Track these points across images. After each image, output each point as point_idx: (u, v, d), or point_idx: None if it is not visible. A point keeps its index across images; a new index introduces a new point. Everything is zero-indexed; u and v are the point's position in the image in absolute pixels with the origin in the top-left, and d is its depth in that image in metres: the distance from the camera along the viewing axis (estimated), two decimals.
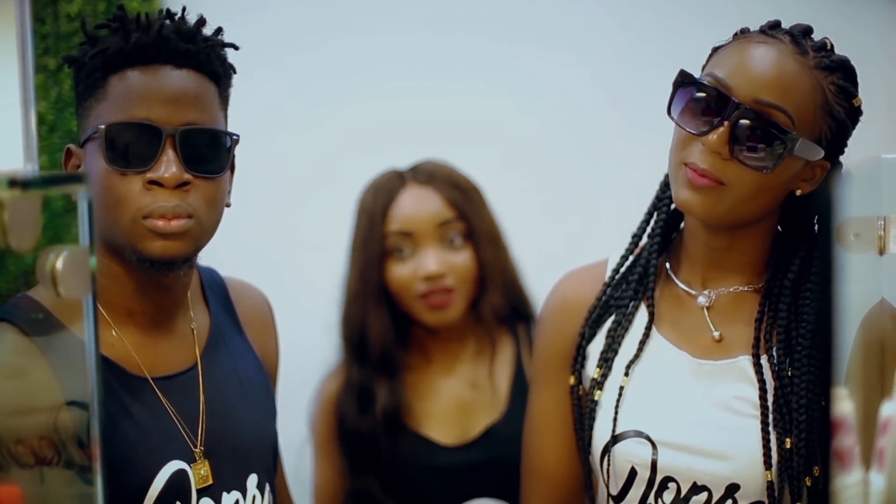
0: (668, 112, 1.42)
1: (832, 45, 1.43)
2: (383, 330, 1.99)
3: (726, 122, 1.36)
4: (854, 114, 1.43)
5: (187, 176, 1.34)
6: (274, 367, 1.65)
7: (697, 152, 1.38)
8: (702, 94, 1.39)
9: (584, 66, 2.72)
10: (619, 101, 2.63)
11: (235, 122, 1.47)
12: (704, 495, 1.42)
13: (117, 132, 1.34)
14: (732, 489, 1.40)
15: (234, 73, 1.46)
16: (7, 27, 1.11)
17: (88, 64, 1.37)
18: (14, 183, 1.01)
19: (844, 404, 1.07)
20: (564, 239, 2.60)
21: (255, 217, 2.66)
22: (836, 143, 1.42)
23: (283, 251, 2.73)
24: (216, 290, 1.57)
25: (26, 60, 1.05)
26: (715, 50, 1.46)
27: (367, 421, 1.97)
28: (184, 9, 1.42)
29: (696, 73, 1.45)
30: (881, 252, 1.14)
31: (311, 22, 2.81)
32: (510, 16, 2.79)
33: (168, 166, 1.33)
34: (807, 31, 1.42)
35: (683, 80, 1.42)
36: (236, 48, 1.46)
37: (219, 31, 1.43)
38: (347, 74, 2.81)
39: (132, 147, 1.34)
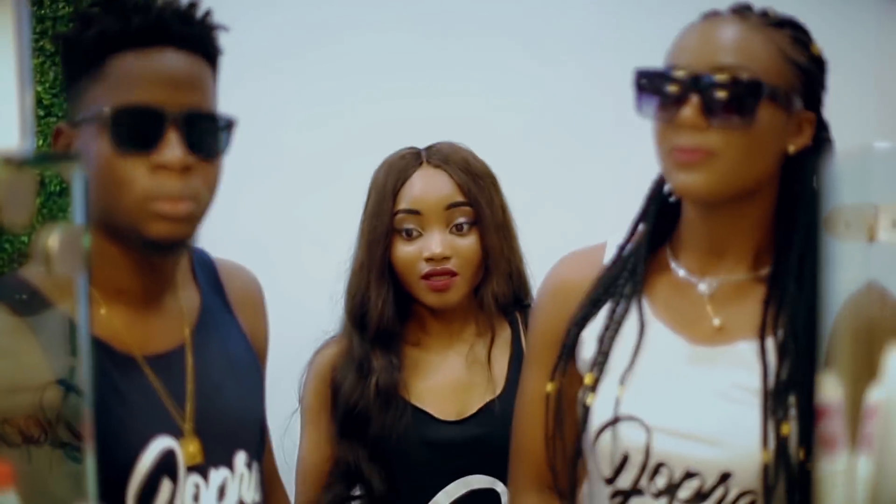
0: (639, 111, 1.44)
1: (773, 12, 1.45)
2: (384, 305, 2.02)
3: (694, 95, 1.38)
4: (817, 61, 1.45)
5: (191, 159, 1.35)
6: (263, 349, 1.66)
7: (679, 134, 1.40)
8: (664, 83, 1.41)
9: (580, 64, 2.73)
10: (614, 99, 2.65)
11: (241, 120, 1.48)
12: (697, 481, 1.42)
13: (122, 115, 1.34)
14: (725, 476, 1.41)
15: (222, 54, 1.47)
16: (3, 7, 1.11)
17: (84, 43, 1.37)
18: (9, 161, 1.02)
19: (831, 389, 1.08)
20: (560, 236, 2.61)
21: (258, 212, 2.68)
22: (810, 92, 1.44)
23: (285, 246, 2.74)
24: (206, 271, 1.58)
25: (22, 38, 1.06)
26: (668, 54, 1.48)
27: (363, 392, 1.99)
28: None
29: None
30: (871, 240, 1.14)
31: (316, 21, 2.83)
32: (508, 16, 2.81)
33: (173, 150, 1.34)
34: (746, 6, 1.46)
35: (641, 76, 1.44)
36: (227, 30, 1.46)
37: (208, 12, 1.44)
38: (349, 74, 2.82)
39: (137, 130, 1.34)
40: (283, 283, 2.82)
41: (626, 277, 1.54)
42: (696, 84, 1.39)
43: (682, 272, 1.53)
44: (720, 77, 1.39)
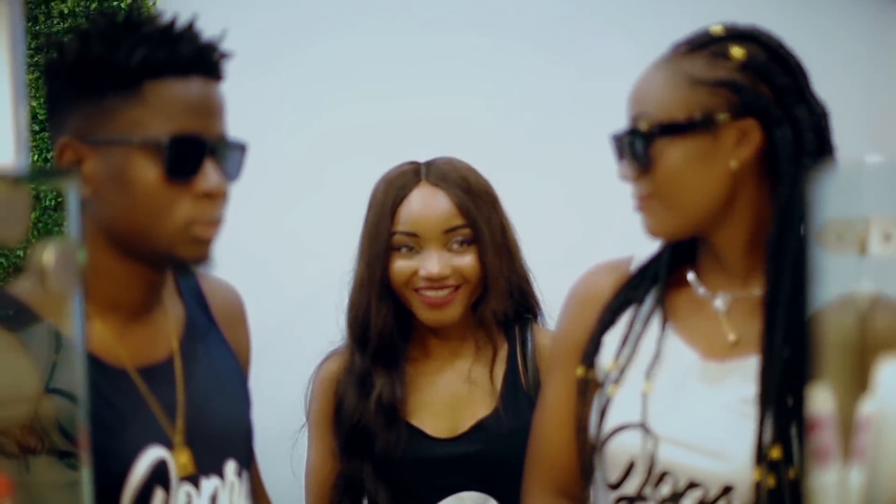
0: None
1: (708, 31, 1.49)
2: (384, 321, 2.02)
3: (625, 151, 1.49)
4: (745, 66, 1.46)
5: (226, 185, 1.40)
6: (246, 361, 1.69)
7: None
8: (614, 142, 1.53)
9: (569, 65, 2.74)
10: (608, 98, 2.65)
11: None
12: (700, 491, 1.43)
13: (175, 144, 1.36)
14: (727, 489, 1.41)
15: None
16: None
17: (120, 64, 1.37)
18: (3, 177, 1.02)
19: (823, 401, 1.08)
20: (556, 240, 2.62)
21: (252, 221, 2.68)
22: (743, 100, 1.45)
23: (281, 255, 2.74)
24: (189, 285, 1.61)
25: (16, 53, 1.07)
26: None
27: (363, 408, 2.00)
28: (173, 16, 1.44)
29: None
30: (862, 253, 1.15)
31: (302, 24, 2.83)
32: (502, 15, 2.81)
33: (212, 177, 1.38)
34: (680, 42, 1.51)
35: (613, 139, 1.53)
36: (231, 56, 1.48)
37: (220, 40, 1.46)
38: (332, 77, 2.82)
39: (186, 159, 1.37)
40: (282, 290, 2.83)
41: (647, 290, 1.56)
42: (621, 140, 1.49)
43: (700, 289, 1.55)
44: (630, 128, 1.48)
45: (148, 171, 1.36)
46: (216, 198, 1.40)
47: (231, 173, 1.43)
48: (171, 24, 1.39)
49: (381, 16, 2.87)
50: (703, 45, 1.48)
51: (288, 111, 2.83)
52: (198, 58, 1.39)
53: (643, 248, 1.64)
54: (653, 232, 1.50)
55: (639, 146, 1.46)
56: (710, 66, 1.46)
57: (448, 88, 2.83)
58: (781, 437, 1.40)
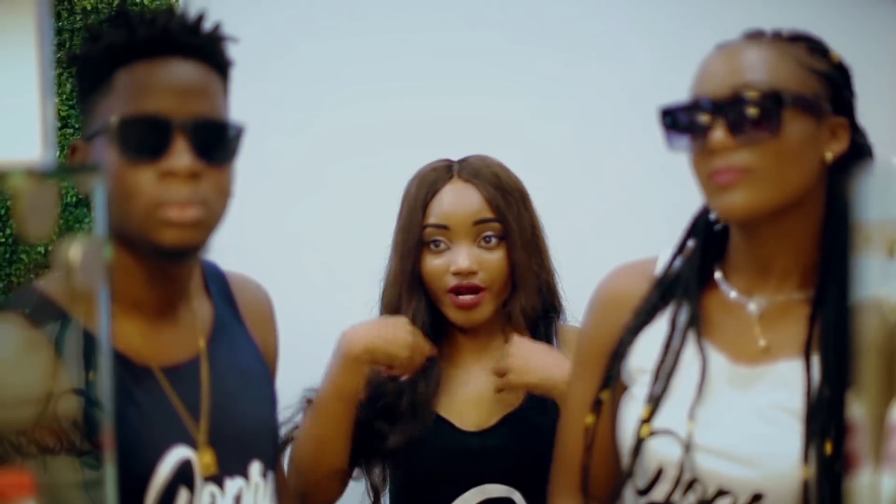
0: (669, 146, 1.48)
1: (785, 31, 1.48)
2: (416, 315, 2.03)
3: (720, 118, 1.41)
4: (839, 68, 1.47)
5: (199, 165, 1.36)
6: (273, 360, 1.68)
7: (713, 159, 1.42)
8: (691, 114, 1.45)
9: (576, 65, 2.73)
10: (638, 103, 2.64)
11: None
12: (729, 499, 1.42)
13: (129, 125, 1.36)
14: (757, 496, 1.40)
15: (233, 65, 1.48)
16: (26, 20, 1.11)
17: (94, 59, 1.39)
18: (32, 173, 1.02)
19: (854, 405, 1.08)
20: (578, 243, 2.61)
21: (253, 220, 2.67)
22: (838, 98, 1.46)
23: (283, 254, 2.73)
24: (217, 283, 1.60)
25: (44, 50, 1.06)
26: None
27: (394, 401, 2.01)
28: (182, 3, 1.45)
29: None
30: (891, 255, 1.15)
31: (301, 24, 2.82)
32: (515, 15, 2.81)
33: (180, 156, 1.35)
34: (758, 32, 1.49)
35: (667, 113, 1.47)
36: (236, 41, 1.47)
37: (217, 24, 1.46)
38: (334, 77, 2.81)
39: (144, 139, 1.35)
40: (281, 290, 2.82)
41: (678, 293, 1.55)
42: (721, 108, 1.41)
43: (732, 293, 1.53)
44: (742, 95, 1.41)
45: (111, 156, 1.36)
46: (183, 177, 1.35)
47: (211, 154, 1.38)
48: (128, 11, 1.41)
49: (381, 16, 2.86)
50: (796, 38, 1.48)
51: (288, 111, 2.82)
52: (163, 40, 1.38)
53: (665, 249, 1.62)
54: (740, 208, 1.41)
55: (766, 111, 1.40)
56: (812, 58, 1.46)
57: (449, 89, 2.82)
58: (828, 438, 1.39)
